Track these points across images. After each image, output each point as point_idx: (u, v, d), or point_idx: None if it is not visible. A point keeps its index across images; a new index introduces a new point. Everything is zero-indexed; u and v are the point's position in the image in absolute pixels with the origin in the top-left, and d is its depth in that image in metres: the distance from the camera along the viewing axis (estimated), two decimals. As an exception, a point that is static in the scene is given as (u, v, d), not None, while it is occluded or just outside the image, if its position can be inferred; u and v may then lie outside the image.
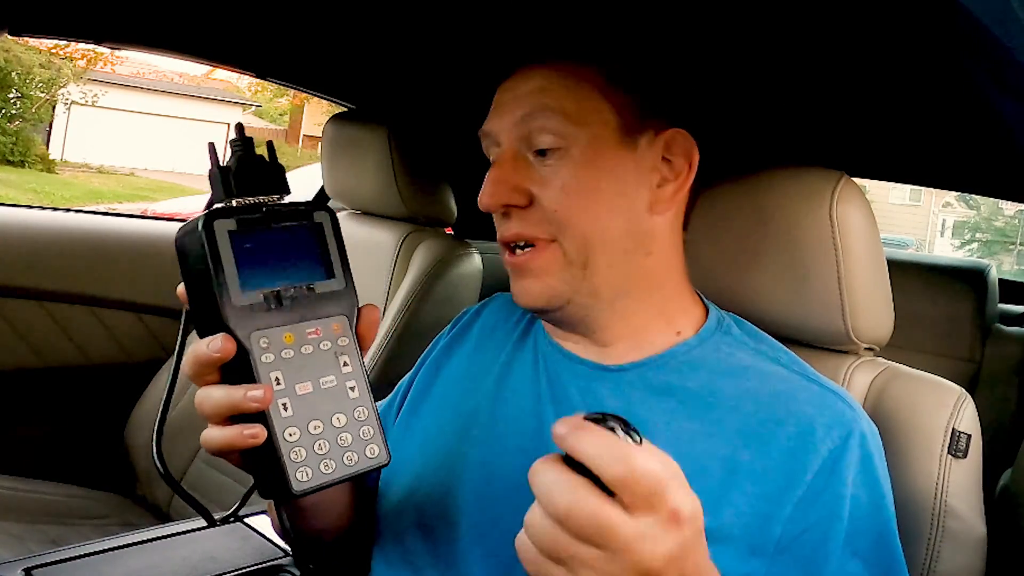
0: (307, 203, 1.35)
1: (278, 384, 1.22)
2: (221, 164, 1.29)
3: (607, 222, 1.57)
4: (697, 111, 1.76)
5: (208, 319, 1.23)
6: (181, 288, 1.28)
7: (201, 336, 1.24)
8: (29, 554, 2.15)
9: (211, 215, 1.23)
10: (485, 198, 1.54)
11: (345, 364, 1.31)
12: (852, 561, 1.42)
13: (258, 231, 1.26)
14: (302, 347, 1.27)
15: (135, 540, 2.28)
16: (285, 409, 1.22)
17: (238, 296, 1.21)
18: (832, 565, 1.40)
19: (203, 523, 2.40)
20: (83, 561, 2.14)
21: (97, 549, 2.20)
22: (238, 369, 1.22)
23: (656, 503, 0.99)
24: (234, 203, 1.27)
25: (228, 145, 1.36)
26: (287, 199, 1.34)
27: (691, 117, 1.70)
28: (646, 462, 0.97)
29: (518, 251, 1.57)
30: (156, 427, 1.42)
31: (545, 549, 1.02)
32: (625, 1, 1.95)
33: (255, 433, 1.18)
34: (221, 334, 1.20)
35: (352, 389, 1.30)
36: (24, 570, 2.06)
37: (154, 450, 1.41)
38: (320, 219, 1.34)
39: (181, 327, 1.37)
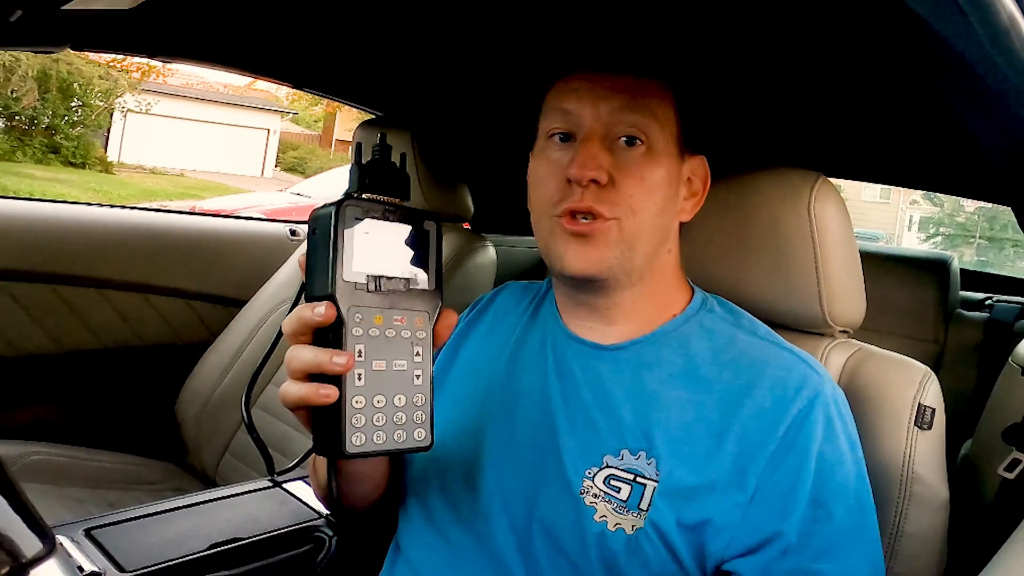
0: (421, 211, 1.40)
1: (359, 356, 1.27)
2: (361, 161, 1.38)
3: (658, 216, 1.62)
4: (713, 140, 1.80)
5: (318, 287, 1.29)
6: (302, 258, 1.34)
7: (308, 301, 1.30)
8: (89, 516, 2.16)
9: (344, 200, 1.30)
10: (576, 169, 1.54)
11: (417, 354, 1.35)
12: (816, 510, 1.45)
13: (377, 223, 1.33)
14: (386, 330, 1.31)
15: (184, 503, 2.29)
16: (359, 379, 1.27)
17: (348, 271, 1.28)
18: (799, 512, 1.44)
19: (245, 488, 2.42)
20: (137, 522, 2.16)
21: (150, 512, 2.22)
22: (329, 336, 1.28)
23: None
24: (363, 196, 1.35)
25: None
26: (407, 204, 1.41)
27: (707, 145, 1.77)
28: None
29: (581, 220, 1.57)
30: (246, 394, 1.68)
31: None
32: (678, 27, 1.97)
33: (329, 393, 1.24)
34: (326, 302, 1.26)
35: (417, 377, 1.35)
36: (85, 531, 2.07)
37: (244, 413, 1.64)
38: (428, 227, 1.40)
39: (292, 307, 1.44)
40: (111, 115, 31.07)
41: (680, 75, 1.66)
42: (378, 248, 1.33)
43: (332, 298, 1.27)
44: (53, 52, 2.81)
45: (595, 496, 1.53)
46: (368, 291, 1.30)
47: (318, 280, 1.29)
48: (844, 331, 1.91)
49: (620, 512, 1.48)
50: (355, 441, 1.27)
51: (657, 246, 1.65)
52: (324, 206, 1.31)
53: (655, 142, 1.59)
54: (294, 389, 1.28)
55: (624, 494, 1.51)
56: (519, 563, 1.57)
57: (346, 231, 1.29)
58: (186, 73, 34.17)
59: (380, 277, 1.32)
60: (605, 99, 1.58)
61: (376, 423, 1.29)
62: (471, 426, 1.73)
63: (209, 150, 35.30)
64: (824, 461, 1.49)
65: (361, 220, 1.31)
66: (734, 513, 1.47)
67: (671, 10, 1.89)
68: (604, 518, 1.51)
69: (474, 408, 1.76)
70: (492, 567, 1.60)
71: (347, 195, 1.35)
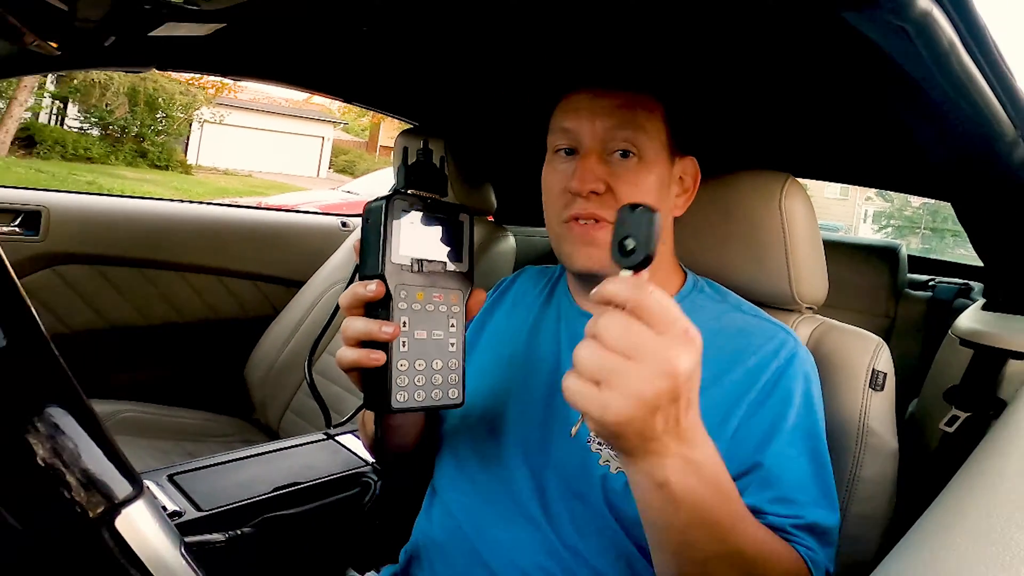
0: (456, 205, 1.44)
1: (404, 326, 1.33)
2: (407, 163, 1.42)
3: None
4: (701, 142, 1.81)
5: (370, 267, 1.34)
6: (357, 243, 1.38)
7: (361, 280, 1.34)
8: (172, 464, 2.18)
9: (393, 195, 1.35)
10: (576, 183, 1.58)
11: (452, 325, 1.40)
12: (789, 448, 1.48)
13: (420, 215, 1.38)
14: (427, 305, 1.37)
15: (253, 453, 2.31)
16: (403, 346, 1.33)
17: (396, 254, 1.33)
18: (775, 448, 1.47)
19: (303, 440, 2.43)
20: (213, 469, 2.17)
21: (223, 460, 2.23)
22: (379, 309, 1.33)
23: (672, 324, 1.03)
24: (409, 192, 1.38)
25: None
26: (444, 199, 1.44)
27: (696, 147, 1.78)
28: (660, 296, 1.03)
29: (584, 224, 1.61)
30: (308, 360, 1.74)
31: (588, 371, 1.04)
32: (666, 48, 1.98)
33: (378, 357, 1.31)
34: (377, 280, 1.31)
35: (452, 344, 1.40)
36: (168, 476, 2.09)
37: (307, 374, 1.68)
38: (462, 219, 1.45)
39: (346, 286, 1.46)
40: (190, 125, 31.27)
41: (668, 90, 1.67)
42: (420, 235, 1.37)
43: (382, 277, 1.31)
44: (141, 72, 2.83)
45: (599, 444, 1.56)
46: (412, 272, 1.35)
47: (370, 262, 1.33)
48: (810, 307, 1.93)
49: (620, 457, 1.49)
50: (399, 398, 1.32)
51: None
52: (376, 199, 1.35)
53: (646, 152, 1.61)
54: (349, 353, 1.32)
55: None
56: (536, 502, 1.60)
57: (394, 221, 1.33)
58: (253, 89, 34.21)
59: (422, 260, 1.36)
60: (601, 118, 1.60)
61: (417, 383, 1.34)
62: (496, 389, 1.76)
63: (273, 155, 35.43)
64: (797, 410, 1.52)
65: (407, 212, 1.35)
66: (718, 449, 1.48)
67: (659, 35, 1.90)
68: (607, 462, 1.54)
69: (498, 374, 1.78)
70: (514, 505, 1.63)
71: (395, 191, 1.38)
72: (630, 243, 1.05)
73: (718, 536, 1.20)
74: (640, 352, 1.01)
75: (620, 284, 1.05)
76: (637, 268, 1.06)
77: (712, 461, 1.16)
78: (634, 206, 1.05)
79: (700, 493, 1.14)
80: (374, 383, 1.34)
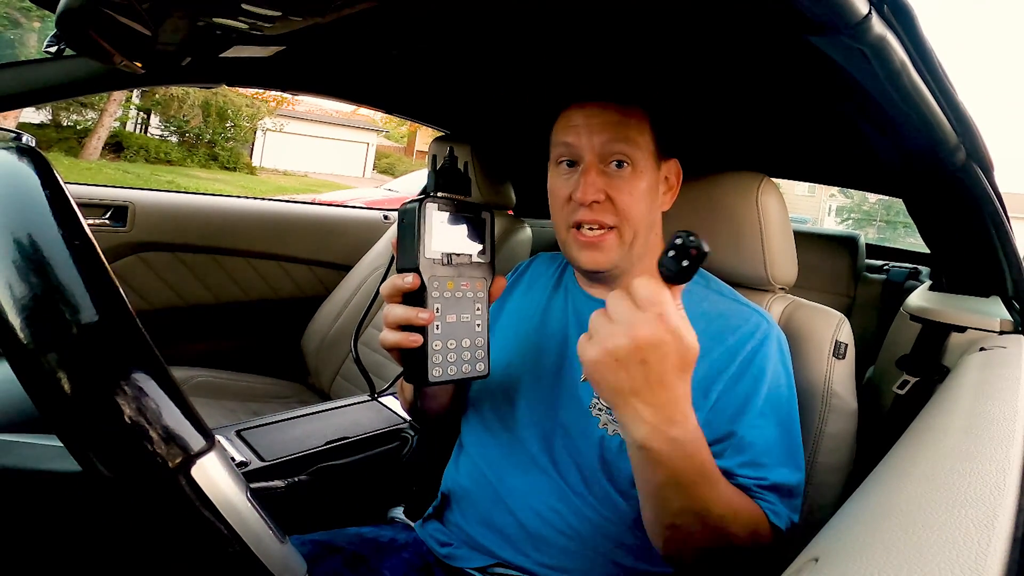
0: (479, 204, 1.45)
1: (437, 312, 1.35)
2: (437, 168, 1.43)
3: (646, 215, 1.64)
4: (683, 145, 1.81)
5: (406, 262, 1.35)
6: (394, 239, 1.39)
7: (399, 272, 1.36)
8: (239, 421, 2.19)
9: (425, 198, 1.36)
10: (580, 194, 1.57)
11: (478, 309, 1.43)
12: (760, 418, 1.49)
13: (448, 214, 1.39)
14: (456, 292, 1.38)
15: (308, 412, 2.33)
16: (437, 328, 1.35)
17: (429, 250, 1.35)
18: (749, 419, 1.48)
19: (351, 401, 2.44)
20: (273, 425, 2.19)
21: (283, 418, 2.25)
22: (415, 297, 1.35)
23: (650, 305, 1.12)
24: (438, 194, 1.40)
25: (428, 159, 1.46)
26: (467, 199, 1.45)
27: (680, 150, 1.78)
28: (649, 284, 1.12)
29: (587, 231, 1.61)
30: (354, 336, 1.72)
31: (590, 329, 1.16)
32: (653, 65, 1.98)
33: (416, 339, 1.34)
34: (413, 273, 1.34)
35: (478, 325, 1.43)
36: (236, 432, 2.11)
37: (353, 349, 1.72)
38: (484, 216, 1.46)
39: (385, 273, 1.47)
40: (254, 132, 31.36)
41: (655, 103, 1.66)
42: (449, 233, 1.38)
43: (417, 270, 1.33)
44: (213, 87, 2.85)
45: (599, 410, 1.59)
46: (443, 264, 1.36)
47: (406, 257, 1.35)
48: (782, 288, 1.94)
49: (616, 422, 1.49)
50: (435, 373, 1.35)
51: (647, 235, 1.67)
52: (410, 201, 1.36)
53: (637, 161, 1.60)
54: (390, 336, 1.35)
55: None
56: (545, 456, 1.64)
57: (427, 220, 1.35)
58: (308, 102, 34.20)
59: (451, 254, 1.38)
60: (598, 134, 1.59)
61: (450, 359, 1.37)
62: (513, 361, 1.78)
63: (325, 158, 35.52)
64: (769, 384, 1.53)
65: (437, 212, 1.36)
66: (698, 418, 1.48)
67: (649, 54, 1.90)
68: (605, 426, 1.57)
69: (515, 348, 1.80)
70: (528, 458, 1.66)
71: (427, 193, 1.40)
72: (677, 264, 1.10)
73: (689, 495, 1.24)
74: (617, 317, 1.12)
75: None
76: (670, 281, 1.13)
77: (691, 439, 1.21)
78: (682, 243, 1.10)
79: (676, 462, 1.20)
80: (413, 360, 1.36)
